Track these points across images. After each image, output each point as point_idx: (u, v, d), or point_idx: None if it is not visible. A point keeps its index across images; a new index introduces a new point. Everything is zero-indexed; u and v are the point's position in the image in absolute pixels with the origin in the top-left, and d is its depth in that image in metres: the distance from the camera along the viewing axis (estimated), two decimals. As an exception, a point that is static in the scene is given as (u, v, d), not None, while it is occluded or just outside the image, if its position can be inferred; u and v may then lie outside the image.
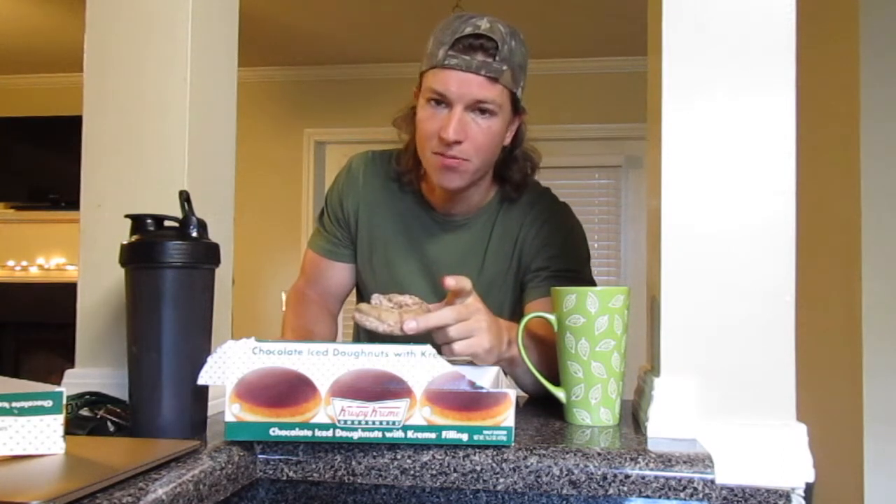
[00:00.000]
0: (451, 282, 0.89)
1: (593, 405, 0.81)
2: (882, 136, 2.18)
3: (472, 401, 0.70)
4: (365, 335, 1.32)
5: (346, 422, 0.70)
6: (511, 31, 1.09)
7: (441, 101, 1.07)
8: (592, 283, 1.18)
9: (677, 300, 0.77)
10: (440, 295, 1.03)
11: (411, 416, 0.70)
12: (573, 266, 1.17)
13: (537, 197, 1.24)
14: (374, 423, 0.70)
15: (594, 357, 0.81)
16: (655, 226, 0.80)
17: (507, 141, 1.16)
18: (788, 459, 0.70)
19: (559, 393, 0.84)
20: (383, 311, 0.87)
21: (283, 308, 1.34)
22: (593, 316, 0.80)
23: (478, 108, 1.07)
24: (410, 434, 0.70)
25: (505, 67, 1.06)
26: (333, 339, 1.30)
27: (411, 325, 0.85)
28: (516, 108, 1.13)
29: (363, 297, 1.32)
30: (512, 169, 1.20)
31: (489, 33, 1.06)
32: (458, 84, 1.05)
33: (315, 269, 1.31)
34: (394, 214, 1.24)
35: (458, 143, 1.07)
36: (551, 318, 0.84)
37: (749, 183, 0.77)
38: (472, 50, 1.05)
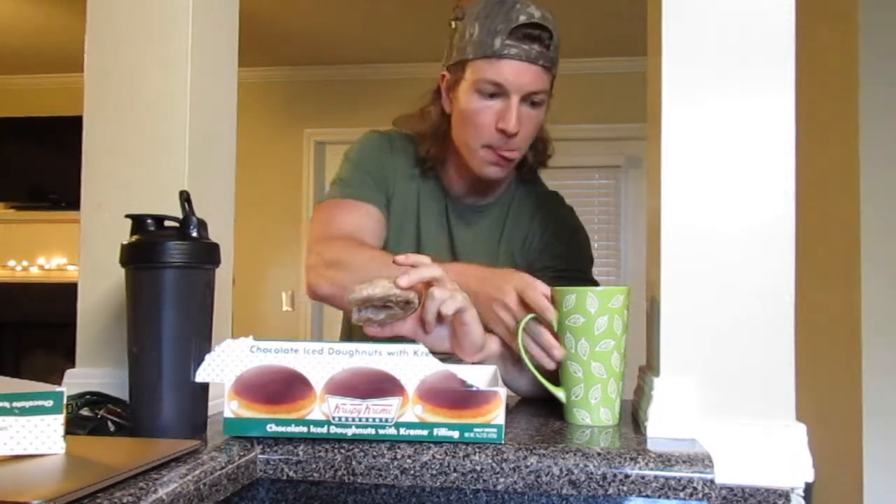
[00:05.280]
0: (401, 258, 0.86)
1: (593, 405, 0.81)
2: (882, 135, 2.18)
3: (462, 399, 0.71)
4: (359, 334, 1.31)
5: (340, 419, 0.71)
6: (554, 16, 1.09)
7: (496, 91, 1.05)
8: (595, 285, 1.18)
9: (677, 300, 0.77)
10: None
11: (403, 413, 0.71)
12: (577, 266, 1.17)
13: (547, 198, 1.25)
14: (367, 420, 0.71)
15: (594, 357, 0.81)
16: (655, 226, 0.80)
17: None
18: (788, 459, 0.70)
19: (559, 393, 0.84)
20: (374, 280, 0.84)
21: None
22: (593, 316, 0.80)
23: (530, 98, 1.06)
24: (403, 431, 0.71)
25: (556, 56, 1.09)
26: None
27: (403, 280, 0.82)
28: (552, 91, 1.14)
29: None
30: (534, 151, 1.20)
31: (544, 22, 1.05)
32: (517, 74, 1.04)
33: (335, 216, 1.11)
34: (418, 195, 1.20)
35: (516, 134, 1.06)
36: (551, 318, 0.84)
37: (749, 183, 0.77)
38: (529, 40, 1.04)
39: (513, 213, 1.21)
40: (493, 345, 0.93)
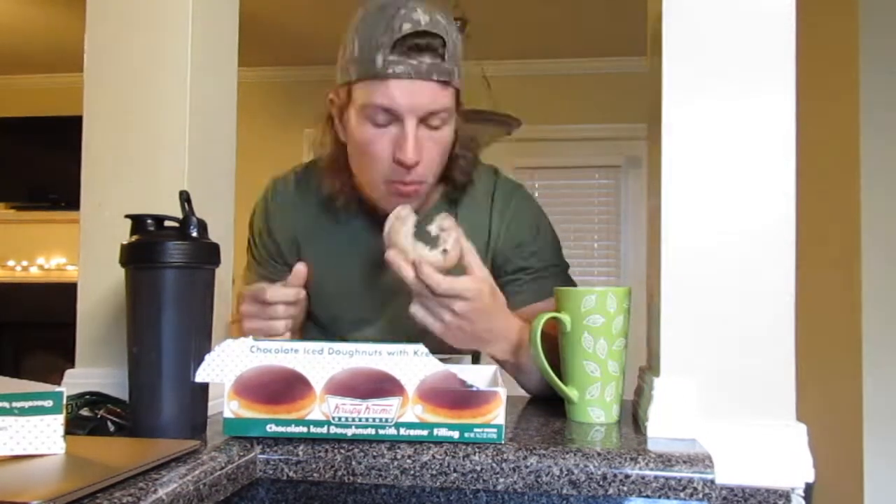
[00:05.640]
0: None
1: (608, 402, 0.83)
2: (882, 135, 2.18)
3: (462, 399, 0.71)
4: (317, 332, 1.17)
5: (340, 419, 0.71)
6: (447, 18, 0.94)
7: (388, 118, 0.93)
8: (567, 266, 1.14)
9: (677, 300, 0.77)
10: (402, 319, 0.93)
11: (403, 413, 0.71)
12: (553, 261, 1.12)
13: (493, 183, 1.12)
14: (367, 420, 0.71)
15: (611, 356, 0.82)
16: (655, 226, 0.80)
17: None
18: (788, 459, 0.70)
19: (571, 392, 0.84)
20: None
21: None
22: (612, 315, 0.81)
23: (429, 121, 0.93)
24: (403, 431, 0.71)
25: (454, 67, 0.93)
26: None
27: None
28: (458, 104, 0.99)
29: (317, 326, 1.15)
30: (454, 171, 1.06)
31: (433, 29, 0.90)
32: (409, 95, 0.90)
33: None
34: (337, 235, 1.10)
35: (417, 164, 0.93)
36: (565, 318, 0.84)
37: (749, 183, 0.77)
38: (417, 52, 0.90)
39: (462, 216, 1.08)
40: (514, 337, 0.93)
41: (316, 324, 1.15)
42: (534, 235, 1.11)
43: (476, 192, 1.11)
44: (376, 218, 1.03)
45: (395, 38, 0.89)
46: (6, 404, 0.61)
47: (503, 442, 0.71)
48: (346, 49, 0.96)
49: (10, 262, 4.34)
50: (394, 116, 0.92)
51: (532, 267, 1.10)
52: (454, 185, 1.08)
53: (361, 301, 1.10)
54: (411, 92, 0.90)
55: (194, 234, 0.75)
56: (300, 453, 0.72)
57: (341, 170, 1.03)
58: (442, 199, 1.10)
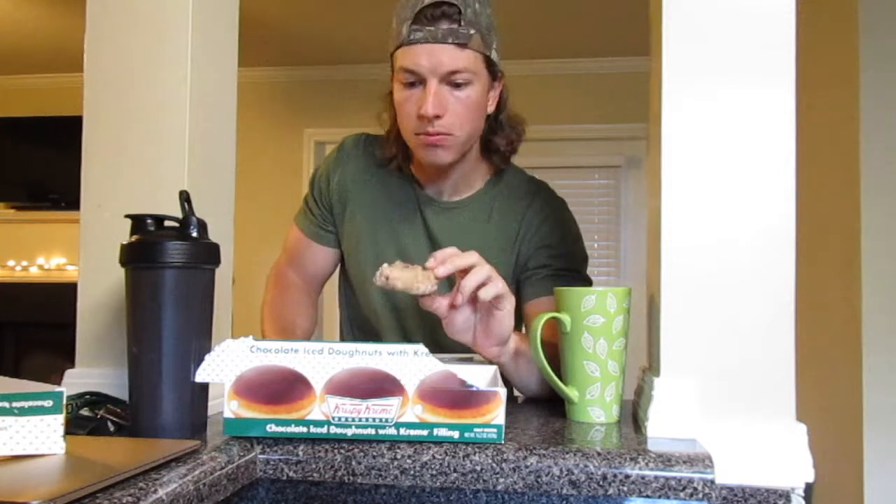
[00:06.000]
0: (430, 262, 0.88)
1: (608, 402, 0.83)
2: (882, 136, 2.18)
3: (462, 399, 0.71)
4: (353, 331, 1.30)
5: (340, 419, 0.71)
6: None
7: (414, 79, 1.05)
8: (589, 281, 1.18)
9: (677, 300, 0.77)
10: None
11: (404, 413, 0.71)
12: (574, 266, 1.16)
13: (536, 191, 1.22)
14: (367, 420, 0.71)
15: (611, 356, 0.82)
16: (655, 226, 0.80)
17: (491, 108, 1.13)
18: (788, 459, 0.70)
19: (572, 392, 0.84)
20: (419, 273, 0.86)
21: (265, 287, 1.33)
22: (612, 315, 0.82)
23: (452, 79, 1.04)
24: (403, 431, 0.71)
25: (472, 31, 1.03)
26: (313, 331, 1.32)
27: (441, 270, 0.85)
28: (494, 72, 1.10)
29: (348, 283, 1.28)
30: (497, 136, 1.17)
31: None
32: (428, 57, 1.02)
33: (297, 248, 1.30)
34: (385, 197, 1.21)
35: (438, 117, 1.04)
36: (565, 318, 0.84)
37: (749, 183, 0.77)
38: (434, 20, 1.02)
39: (499, 207, 1.19)
40: (512, 343, 0.94)
41: (349, 284, 1.28)
42: (560, 243, 1.17)
43: (517, 191, 1.20)
44: (417, 182, 1.20)
45: (416, 10, 1.02)
46: (6, 404, 0.61)
47: (503, 442, 0.71)
48: (390, 27, 1.09)
49: (10, 262, 4.34)
50: (419, 77, 1.04)
51: (552, 265, 1.15)
52: (498, 153, 1.18)
53: (391, 252, 1.19)
54: (429, 54, 1.02)
55: (194, 234, 0.75)
56: (300, 453, 0.72)
57: (398, 136, 1.16)
58: (487, 174, 1.21)
